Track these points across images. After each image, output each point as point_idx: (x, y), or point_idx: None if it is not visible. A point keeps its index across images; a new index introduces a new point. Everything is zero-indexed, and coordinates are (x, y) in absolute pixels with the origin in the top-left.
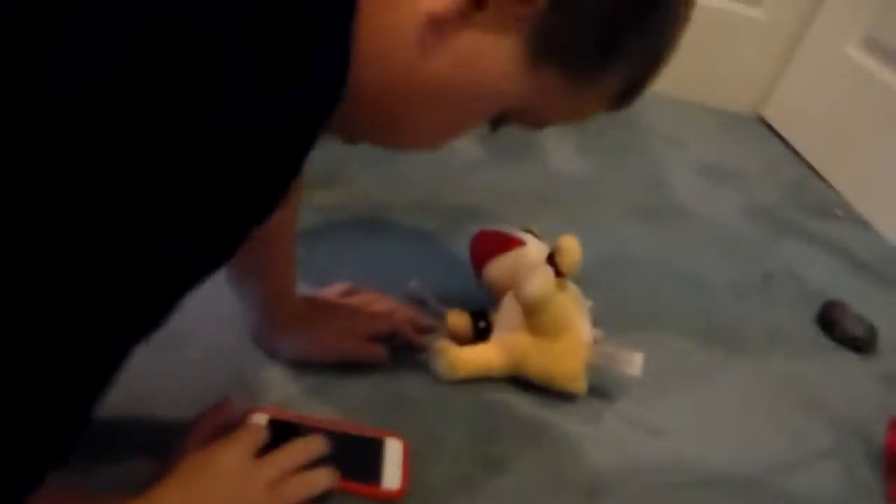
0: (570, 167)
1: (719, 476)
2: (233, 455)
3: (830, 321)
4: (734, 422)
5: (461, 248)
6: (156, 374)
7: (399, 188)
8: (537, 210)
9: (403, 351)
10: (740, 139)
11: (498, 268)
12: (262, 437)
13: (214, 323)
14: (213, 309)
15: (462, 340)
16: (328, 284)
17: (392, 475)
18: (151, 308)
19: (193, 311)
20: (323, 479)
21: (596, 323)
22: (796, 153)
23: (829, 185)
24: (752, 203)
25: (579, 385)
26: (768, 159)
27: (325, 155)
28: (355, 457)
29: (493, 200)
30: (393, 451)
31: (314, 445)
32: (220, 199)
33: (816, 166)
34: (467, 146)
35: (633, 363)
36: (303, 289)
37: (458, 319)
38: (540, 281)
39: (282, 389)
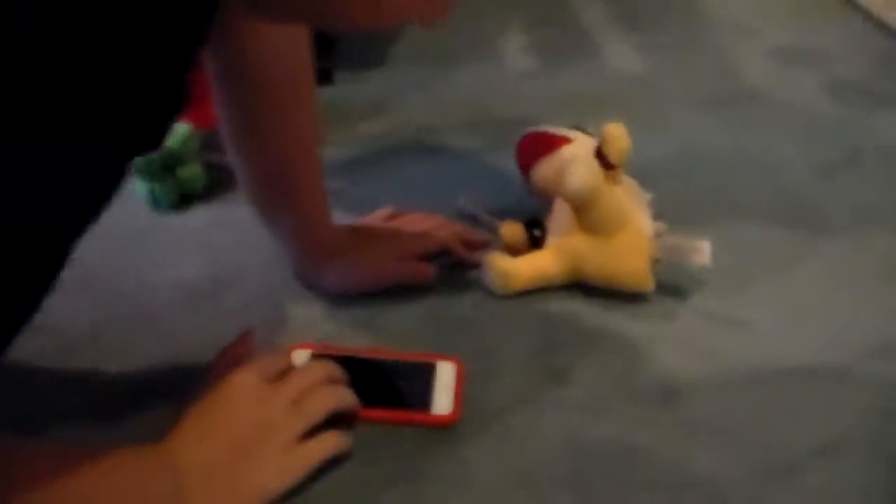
0: (629, 66)
1: (812, 367)
2: (246, 380)
3: None
4: (825, 308)
5: (512, 160)
6: (195, 325)
7: (444, 110)
8: (595, 113)
9: (455, 269)
10: (817, 18)
11: (545, 169)
12: (280, 362)
13: (255, 268)
14: (252, 254)
15: (518, 252)
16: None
17: (443, 400)
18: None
19: (232, 258)
20: (346, 393)
21: (658, 216)
22: (883, 25)
23: None
24: (834, 80)
25: (645, 281)
26: (853, 35)
27: (368, 85)
28: (404, 385)
29: (546, 109)
30: (445, 375)
31: (332, 368)
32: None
33: None
34: (517, 57)
35: (701, 251)
36: (346, 220)
37: (512, 230)
38: (581, 171)
39: (328, 324)
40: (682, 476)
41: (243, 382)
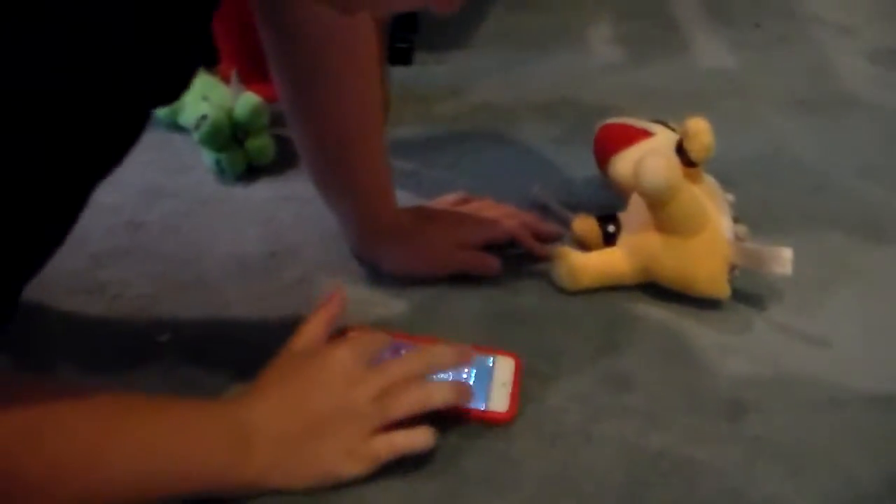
0: (722, 63)
1: (890, 394)
2: (343, 358)
3: None
4: None
5: (591, 152)
6: (248, 298)
7: (526, 95)
8: (682, 109)
9: (522, 261)
10: None
11: (623, 162)
12: (381, 343)
13: (315, 245)
14: (313, 230)
15: (589, 248)
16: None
17: (500, 397)
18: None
19: (293, 233)
20: (438, 393)
21: (739, 219)
22: None
23: None
24: None
25: (721, 288)
26: None
27: (447, 67)
28: (460, 378)
29: (629, 102)
30: (503, 371)
31: (440, 356)
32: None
33: None
34: (604, 47)
35: (782, 260)
36: (416, 203)
37: (585, 224)
38: (660, 166)
39: (383, 307)
40: (741, 499)
41: (340, 360)
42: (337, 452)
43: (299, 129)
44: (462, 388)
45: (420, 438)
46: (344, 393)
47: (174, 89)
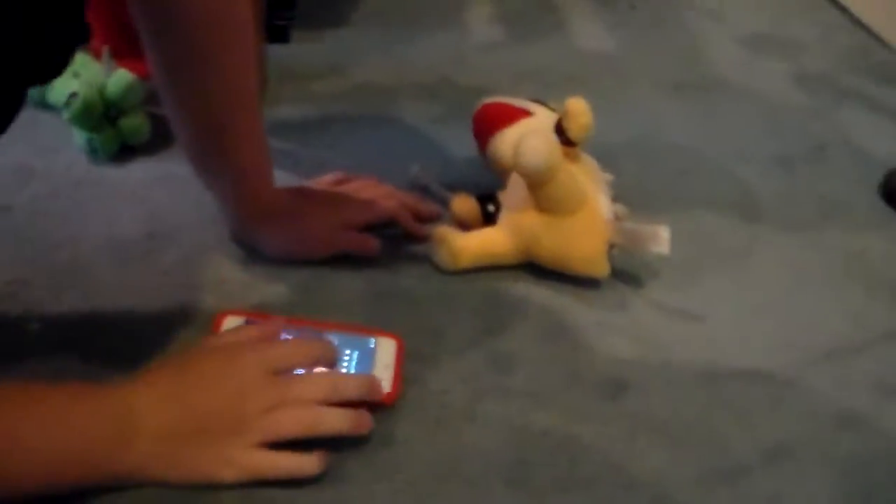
0: (598, 45)
1: (763, 368)
2: (248, 362)
3: None
4: (780, 306)
5: (469, 131)
6: (124, 282)
7: (405, 75)
8: (560, 90)
9: (402, 241)
10: (791, 9)
11: (502, 142)
12: (290, 359)
13: (192, 227)
14: (190, 211)
15: (469, 228)
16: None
17: (383, 378)
18: None
19: (169, 215)
20: (331, 421)
21: (617, 199)
22: (856, 20)
23: (894, 51)
24: (803, 71)
25: (600, 267)
26: (823, 27)
27: (326, 46)
28: (341, 360)
29: (508, 82)
30: (384, 352)
31: (344, 386)
32: None
33: (879, 31)
34: (483, 27)
35: (660, 239)
36: (293, 183)
37: (464, 204)
38: (539, 145)
39: (263, 290)
40: (624, 474)
41: (245, 366)
42: (216, 458)
43: (174, 109)
44: (361, 420)
45: (308, 465)
46: (236, 399)
47: (52, 67)
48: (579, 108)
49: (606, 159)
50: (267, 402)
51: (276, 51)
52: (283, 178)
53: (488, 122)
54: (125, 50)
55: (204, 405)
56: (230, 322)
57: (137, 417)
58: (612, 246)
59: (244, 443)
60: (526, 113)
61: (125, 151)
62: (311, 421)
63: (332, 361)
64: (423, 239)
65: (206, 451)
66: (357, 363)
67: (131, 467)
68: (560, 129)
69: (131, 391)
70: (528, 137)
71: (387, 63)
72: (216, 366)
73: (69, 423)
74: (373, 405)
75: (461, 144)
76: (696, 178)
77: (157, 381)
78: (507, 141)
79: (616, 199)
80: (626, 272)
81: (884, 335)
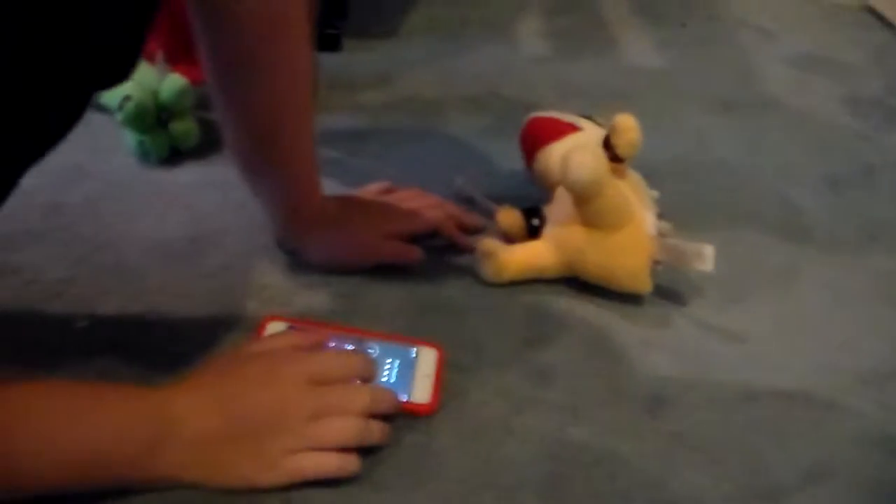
0: (648, 62)
1: (803, 390)
2: (293, 372)
3: None
4: (823, 327)
5: (517, 145)
6: (167, 284)
7: (453, 86)
8: (607, 105)
9: (446, 252)
10: (843, 29)
11: (550, 156)
12: (336, 370)
13: (237, 232)
14: (236, 216)
15: (514, 240)
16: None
17: (422, 388)
18: None
19: (215, 219)
20: (375, 433)
21: (662, 215)
22: None
23: None
24: (853, 93)
25: (643, 283)
26: (876, 49)
27: (376, 56)
28: (382, 368)
29: (556, 96)
30: (425, 362)
31: (380, 397)
32: None
33: None
34: (533, 41)
35: (704, 257)
36: (340, 192)
37: (509, 217)
38: (586, 160)
39: (305, 296)
40: (661, 491)
41: (288, 375)
42: (257, 463)
43: (225, 114)
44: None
45: (350, 465)
46: (278, 407)
47: (120, 71)
48: (628, 124)
49: (653, 176)
50: (308, 411)
51: (327, 59)
52: (329, 187)
53: (536, 136)
54: (179, 55)
55: (244, 410)
56: (274, 327)
57: (176, 421)
58: (656, 262)
59: (285, 449)
60: (574, 128)
61: (175, 155)
62: (357, 432)
63: (371, 377)
64: (467, 250)
65: (244, 458)
66: (398, 372)
67: (166, 470)
68: (608, 145)
69: (172, 395)
70: (576, 152)
71: (435, 74)
72: (258, 372)
73: (104, 423)
74: (413, 414)
75: (507, 157)
76: (743, 197)
77: (198, 385)
78: (554, 155)
79: (661, 215)
80: (670, 289)
81: None
